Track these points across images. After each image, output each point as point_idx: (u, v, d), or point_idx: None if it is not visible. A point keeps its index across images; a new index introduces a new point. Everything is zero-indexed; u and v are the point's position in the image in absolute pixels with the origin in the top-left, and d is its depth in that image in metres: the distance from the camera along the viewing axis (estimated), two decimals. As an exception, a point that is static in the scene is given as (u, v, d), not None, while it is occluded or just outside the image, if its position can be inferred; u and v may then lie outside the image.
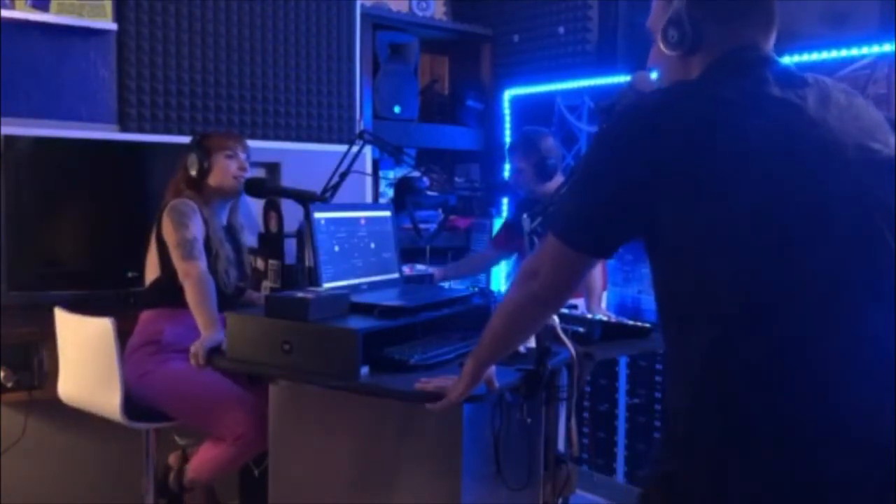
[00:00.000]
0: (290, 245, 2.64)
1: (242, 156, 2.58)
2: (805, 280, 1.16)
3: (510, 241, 3.34)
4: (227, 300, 2.44)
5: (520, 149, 3.14)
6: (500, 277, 3.90)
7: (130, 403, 2.39)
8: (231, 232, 2.64)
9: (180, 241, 2.38)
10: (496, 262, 3.53)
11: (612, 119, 1.33)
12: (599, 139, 1.32)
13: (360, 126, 3.65)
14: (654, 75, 1.53)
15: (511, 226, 3.36)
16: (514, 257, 3.52)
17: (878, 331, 1.18)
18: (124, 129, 3.10)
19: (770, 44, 1.31)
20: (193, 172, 2.50)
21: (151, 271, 2.51)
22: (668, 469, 1.24)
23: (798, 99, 1.23)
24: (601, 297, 2.94)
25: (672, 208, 1.20)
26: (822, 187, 1.18)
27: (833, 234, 1.17)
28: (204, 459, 2.37)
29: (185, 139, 2.72)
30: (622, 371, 3.37)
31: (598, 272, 2.92)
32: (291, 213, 2.66)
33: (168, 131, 3.15)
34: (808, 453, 1.14)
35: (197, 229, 2.42)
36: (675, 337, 1.27)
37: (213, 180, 2.53)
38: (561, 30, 3.84)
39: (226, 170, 2.54)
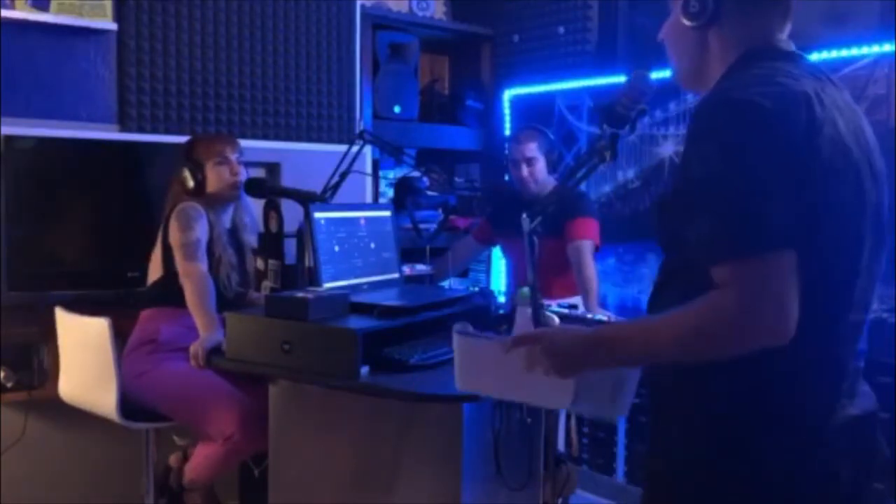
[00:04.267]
0: (290, 245, 2.64)
1: (234, 157, 2.58)
2: (854, 283, 1.19)
3: (489, 234, 3.35)
4: (228, 304, 2.45)
5: (537, 139, 3.10)
6: (500, 277, 3.90)
7: (128, 403, 2.40)
8: (235, 235, 2.65)
9: (184, 242, 2.40)
10: (478, 252, 3.55)
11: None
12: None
13: (360, 126, 3.65)
14: (653, 74, 1.53)
15: (490, 219, 3.35)
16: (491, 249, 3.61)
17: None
18: (124, 129, 3.10)
19: (786, 34, 1.31)
20: (190, 185, 2.51)
21: (155, 271, 2.54)
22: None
23: (846, 104, 1.24)
24: (596, 296, 2.93)
25: None
26: (869, 196, 1.21)
27: (870, 243, 1.21)
28: (199, 459, 2.38)
29: (185, 139, 2.72)
30: (622, 371, 3.37)
31: (593, 272, 2.91)
32: (291, 213, 2.66)
33: (168, 131, 3.15)
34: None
35: (202, 232, 2.45)
36: None
37: (210, 188, 2.54)
38: (561, 30, 3.84)
39: (220, 177, 2.55)
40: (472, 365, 1.52)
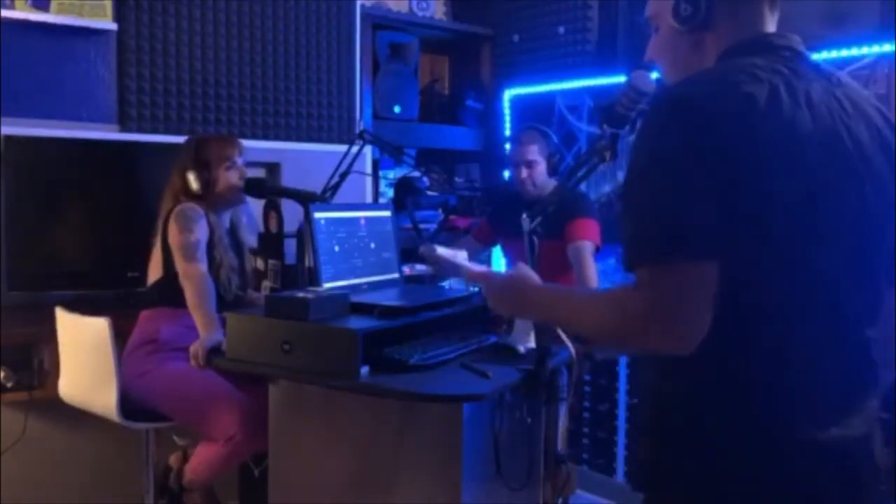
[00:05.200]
0: (290, 245, 2.64)
1: (240, 161, 2.59)
2: (821, 291, 1.14)
3: (489, 234, 3.34)
4: (226, 306, 2.44)
5: (539, 141, 3.09)
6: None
7: (129, 403, 2.40)
8: (235, 236, 2.66)
9: (184, 243, 2.40)
10: (478, 252, 3.55)
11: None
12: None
13: (360, 126, 3.65)
14: (654, 75, 1.53)
15: (490, 220, 3.35)
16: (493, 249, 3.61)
17: (866, 333, 1.18)
18: (124, 129, 3.10)
19: (776, 20, 1.28)
20: (195, 187, 2.51)
21: (154, 272, 2.53)
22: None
23: (835, 100, 1.19)
24: None
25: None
26: (849, 198, 1.16)
27: (850, 246, 1.16)
28: (199, 460, 2.38)
29: (185, 139, 2.72)
30: (622, 371, 3.37)
31: (593, 272, 2.91)
32: (291, 213, 2.66)
33: (168, 131, 3.15)
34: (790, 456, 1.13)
35: (201, 233, 2.45)
36: None
37: (215, 190, 2.54)
38: (561, 30, 3.84)
39: (228, 181, 2.55)
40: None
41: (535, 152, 3.05)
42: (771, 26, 1.26)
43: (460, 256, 2.71)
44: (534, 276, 1.42)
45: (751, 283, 1.10)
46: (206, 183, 2.52)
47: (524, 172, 3.06)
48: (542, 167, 3.06)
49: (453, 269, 2.59)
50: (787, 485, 1.13)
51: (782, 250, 1.10)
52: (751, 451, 1.13)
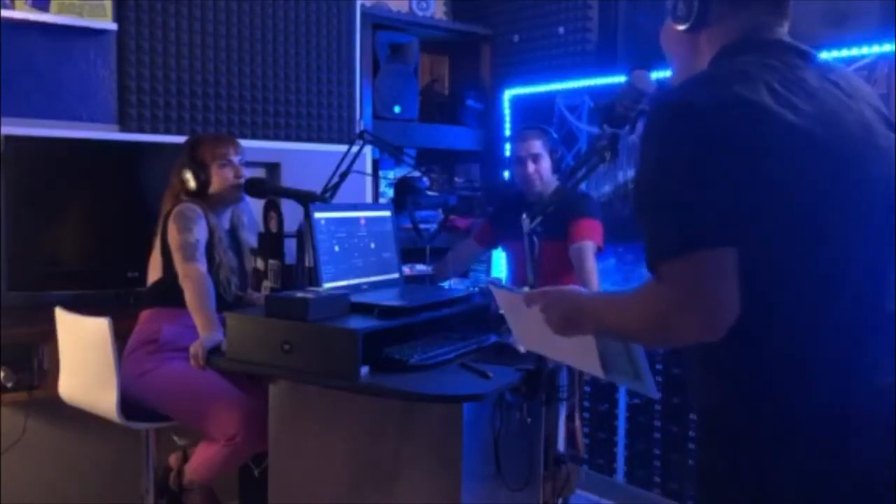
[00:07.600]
0: (290, 245, 2.64)
1: (236, 159, 2.59)
2: (846, 268, 1.16)
3: (490, 236, 3.32)
4: (226, 306, 2.45)
5: (541, 137, 3.08)
6: (500, 277, 3.90)
7: (129, 403, 2.40)
8: (235, 237, 2.66)
9: (182, 243, 2.41)
10: (479, 255, 3.53)
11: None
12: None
13: (360, 126, 3.65)
14: (653, 74, 1.53)
15: (491, 221, 3.34)
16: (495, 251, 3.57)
17: None
18: (124, 129, 3.10)
19: (784, 28, 1.29)
20: (192, 187, 2.52)
21: (154, 272, 2.54)
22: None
23: (831, 83, 1.22)
24: None
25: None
26: (865, 174, 1.18)
27: (873, 222, 1.18)
28: (200, 460, 2.38)
29: (185, 139, 2.72)
30: (622, 371, 3.37)
31: (594, 273, 2.90)
32: (291, 213, 2.66)
33: (168, 131, 3.15)
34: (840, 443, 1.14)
35: (201, 233, 2.45)
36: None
37: (212, 189, 2.55)
38: (561, 30, 3.84)
39: (223, 179, 2.55)
40: (518, 322, 1.61)
41: (539, 147, 3.04)
42: (771, 27, 1.27)
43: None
44: (578, 288, 1.42)
45: (774, 269, 1.13)
46: (203, 181, 2.52)
47: (531, 167, 3.04)
48: (547, 162, 3.05)
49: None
50: (828, 465, 1.14)
51: (802, 236, 1.13)
52: (796, 441, 1.14)
